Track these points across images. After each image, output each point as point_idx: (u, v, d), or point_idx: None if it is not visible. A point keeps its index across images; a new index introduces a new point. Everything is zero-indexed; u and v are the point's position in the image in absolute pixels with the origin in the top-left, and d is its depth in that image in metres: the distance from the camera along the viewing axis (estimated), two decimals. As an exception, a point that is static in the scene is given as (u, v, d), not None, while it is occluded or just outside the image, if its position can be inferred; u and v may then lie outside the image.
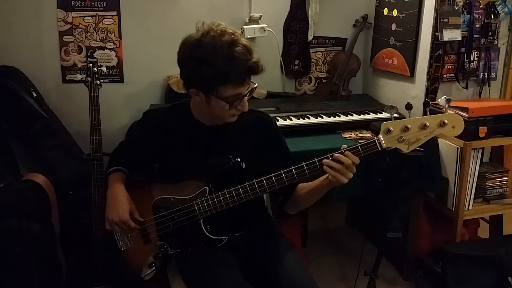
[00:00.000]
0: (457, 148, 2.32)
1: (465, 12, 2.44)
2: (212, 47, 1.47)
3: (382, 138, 1.51)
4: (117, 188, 1.67)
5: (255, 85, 1.57)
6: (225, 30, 1.50)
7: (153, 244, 1.68)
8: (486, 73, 2.57)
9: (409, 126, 1.50)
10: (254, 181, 1.56)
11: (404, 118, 2.52)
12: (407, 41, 2.57)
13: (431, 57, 2.44)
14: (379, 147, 1.52)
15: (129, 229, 1.64)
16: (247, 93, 1.55)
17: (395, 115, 1.57)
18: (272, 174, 1.55)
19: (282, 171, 1.54)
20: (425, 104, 1.60)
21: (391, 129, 1.50)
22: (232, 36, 1.49)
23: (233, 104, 1.54)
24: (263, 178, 1.56)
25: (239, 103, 1.55)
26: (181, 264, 1.70)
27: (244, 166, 1.65)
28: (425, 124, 1.49)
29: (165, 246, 1.67)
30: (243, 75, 1.50)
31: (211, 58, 1.46)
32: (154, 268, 1.66)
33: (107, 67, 2.58)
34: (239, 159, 1.64)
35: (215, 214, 1.62)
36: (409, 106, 1.60)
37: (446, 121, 1.49)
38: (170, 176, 1.69)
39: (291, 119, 2.43)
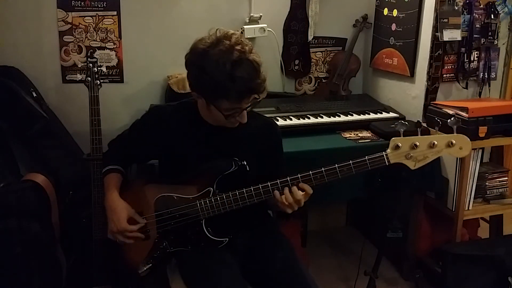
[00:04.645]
0: (457, 148, 2.32)
1: (465, 12, 2.44)
2: (215, 62, 1.45)
3: (390, 154, 1.53)
4: (112, 197, 1.68)
5: (259, 100, 1.56)
6: (234, 45, 1.47)
7: (152, 241, 1.68)
8: (486, 73, 2.57)
9: (418, 144, 1.52)
10: (260, 185, 1.56)
11: (404, 117, 2.55)
12: (407, 41, 2.57)
13: (431, 57, 2.44)
14: (386, 162, 1.54)
15: (131, 235, 1.65)
16: (247, 107, 1.55)
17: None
18: (278, 180, 1.56)
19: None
20: (417, 125, 1.64)
21: (400, 145, 1.52)
22: (240, 54, 1.46)
23: (230, 116, 1.55)
24: (268, 183, 1.56)
25: (237, 115, 1.56)
26: (181, 263, 1.69)
27: (248, 170, 1.65)
28: (434, 143, 1.51)
29: (165, 244, 1.67)
30: (242, 94, 1.49)
31: (213, 72, 1.46)
32: (151, 265, 1.66)
33: (107, 67, 2.57)
34: (245, 162, 1.64)
35: (217, 215, 1.62)
36: (418, 125, 1.62)
37: (454, 142, 1.51)
38: (174, 174, 1.69)
39: (291, 119, 2.43)
